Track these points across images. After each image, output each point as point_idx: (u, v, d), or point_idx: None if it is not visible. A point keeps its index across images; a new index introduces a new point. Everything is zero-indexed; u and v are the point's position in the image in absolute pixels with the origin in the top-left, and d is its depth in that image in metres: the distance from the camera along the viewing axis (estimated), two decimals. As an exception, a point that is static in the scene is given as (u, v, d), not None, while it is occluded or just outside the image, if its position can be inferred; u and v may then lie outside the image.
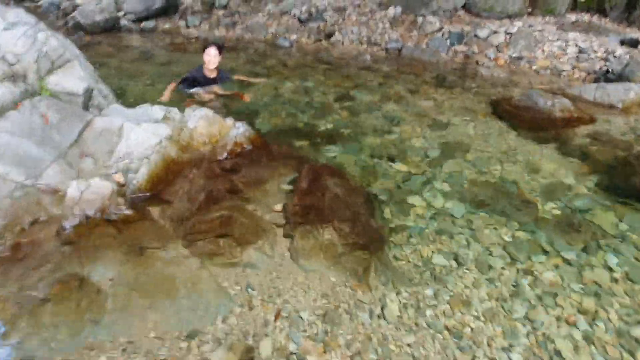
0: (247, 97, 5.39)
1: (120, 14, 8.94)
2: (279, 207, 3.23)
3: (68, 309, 2.21)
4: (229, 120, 4.01)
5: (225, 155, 3.64)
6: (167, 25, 9.15)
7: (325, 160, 4.10)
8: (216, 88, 5.49)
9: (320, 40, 8.50)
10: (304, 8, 9.39)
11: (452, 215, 3.50)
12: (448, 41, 7.97)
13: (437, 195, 3.73)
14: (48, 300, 2.22)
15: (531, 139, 4.76)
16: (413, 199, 3.65)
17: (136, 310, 2.30)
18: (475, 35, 8.00)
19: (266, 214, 3.13)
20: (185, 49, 7.87)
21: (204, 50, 5.28)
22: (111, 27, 8.55)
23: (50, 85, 3.31)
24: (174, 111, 3.96)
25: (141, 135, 3.35)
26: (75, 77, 3.43)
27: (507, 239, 3.26)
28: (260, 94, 5.63)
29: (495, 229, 3.36)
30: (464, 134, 4.83)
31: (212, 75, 5.43)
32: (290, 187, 3.45)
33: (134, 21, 8.99)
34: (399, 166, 4.13)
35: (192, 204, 3.00)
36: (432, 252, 3.09)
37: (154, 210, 2.95)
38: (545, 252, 3.14)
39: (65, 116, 3.25)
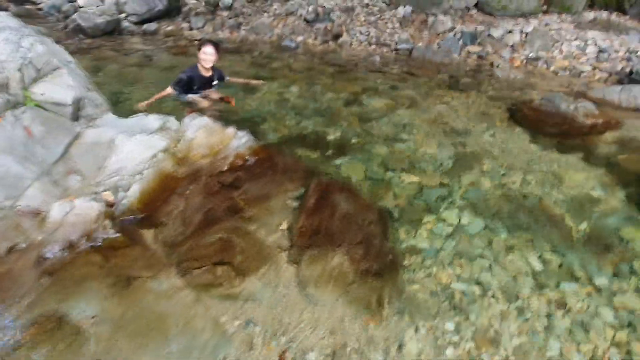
0: (234, 102, 5.14)
1: (122, 16, 8.70)
2: (284, 225, 2.95)
3: (42, 356, 1.94)
4: (231, 130, 3.73)
5: (225, 168, 3.36)
6: (169, 28, 8.90)
7: (334, 172, 3.81)
8: (212, 93, 5.21)
9: (328, 42, 8.21)
10: (311, 8, 9.09)
11: (470, 234, 3.21)
12: (460, 41, 7.64)
13: (453, 210, 3.44)
14: (21, 346, 1.95)
15: (554, 146, 4.44)
16: (427, 216, 3.36)
17: (122, 354, 2.03)
18: (489, 35, 7.68)
19: (270, 235, 2.85)
20: (188, 52, 7.60)
21: (199, 49, 5.02)
22: (112, 30, 8.31)
23: (35, 95, 3.05)
24: (171, 121, 3.69)
25: (134, 149, 3.09)
26: (63, 85, 3.16)
27: (533, 262, 2.96)
28: (264, 99, 5.35)
29: (519, 249, 3.06)
30: (481, 142, 4.52)
31: (208, 74, 5.17)
32: (296, 204, 3.16)
33: (135, 23, 8.75)
34: (412, 178, 3.84)
35: (187, 226, 2.72)
36: (451, 277, 2.80)
37: (146, 234, 2.67)
38: (576, 279, 2.84)
39: (51, 129, 2.99)
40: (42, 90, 3.08)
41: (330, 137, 4.45)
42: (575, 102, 4.99)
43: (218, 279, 2.44)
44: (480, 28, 7.92)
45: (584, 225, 3.32)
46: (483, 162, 4.12)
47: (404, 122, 4.87)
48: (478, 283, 2.75)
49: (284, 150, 4.00)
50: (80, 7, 8.95)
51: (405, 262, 2.87)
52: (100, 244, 2.49)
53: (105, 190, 2.83)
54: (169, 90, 5.07)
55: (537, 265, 2.94)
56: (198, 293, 2.37)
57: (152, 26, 8.76)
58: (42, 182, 2.70)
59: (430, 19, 8.23)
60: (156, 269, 2.45)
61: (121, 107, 4.86)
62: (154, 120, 3.58)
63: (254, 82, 5.79)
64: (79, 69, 3.85)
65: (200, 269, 2.46)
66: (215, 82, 5.27)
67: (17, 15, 8.97)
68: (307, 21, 8.83)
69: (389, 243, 3.00)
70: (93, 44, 7.68)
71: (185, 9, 9.67)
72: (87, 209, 2.55)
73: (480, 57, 7.35)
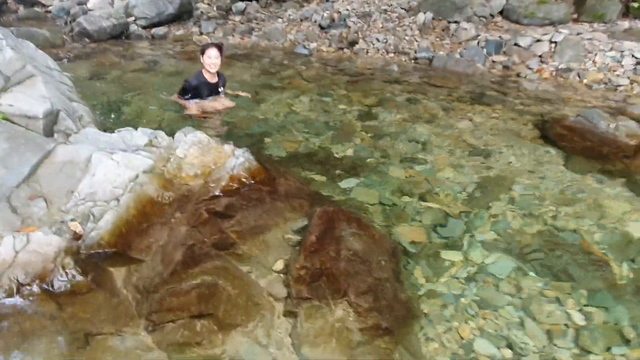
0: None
1: (130, 19, 8.41)
2: (280, 266, 2.51)
3: None
4: (228, 148, 3.31)
5: (218, 192, 2.94)
6: (179, 32, 8.58)
7: (342, 197, 3.37)
8: (218, 105, 4.83)
9: (342, 49, 7.79)
10: (326, 14, 8.70)
11: (497, 277, 2.74)
12: (485, 50, 7.15)
13: (476, 247, 2.99)
14: None
15: (593, 171, 3.93)
16: (447, 253, 2.91)
17: None
18: (516, 44, 7.17)
19: (263, 278, 2.41)
20: (195, 58, 7.23)
21: (203, 53, 4.63)
22: (119, 34, 8.01)
23: (3, 107, 2.67)
24: (161, 135, 3.30)
25: (111, 170, 2.68)
26: (35, 96, 2.79)
27: (574, 316, 2.47)
28: (272, 111, 4.94)
29: (556, 299, 2.58)
30: (508, 164, 4.03)
31: (214, 80, 4.80)
32: (297, 238, 2.72)
33: (144, 27, 8.45)
34: (431, 205, 3.38)
35: (166, 265, 2.30)
36: (474, 333, 2.33)
37: (115, 275, 2.26)
38: (626, 341, 2.33)
39: (17, 145, 2.61)
40: (11, 101, 2.71)
41: (341, 156, 4.00)
42: (615, 121, 4.46)
43: (196, 335, 2.01)
44: (505, 36, 7.42)
45: (631, 270, 2.82)
46: (511, 189, 3.64)
47: (423, 140, 4.41)
48: (507, 344, 2.28)
49: (288, 169, 3.58)
50: (90, 10, 8.70)
51: (422, 313, 2.42)
52: (58, 287, 2.07)
53: (72, 220, 2.43)
54: (176, 99, 4.75)
55: (579, 320, 2.44)
56: (170, 354, 1.94)
57: (161, 30, 8.45)
58: (-2, 209, 2.30)
59: (452, 27, 7.76)
60: (122, 322, 2.03)
61: (114, 118, 4.51)
62: (141, 135, 3.19)
63: (243, 93, 5.35)
64: (62, 77, 3.48)
65: (175, 323, 2.04)
66: (221, 89, 4.89)
67: (25, 18, 8.81)
68: (321, 27, 8.43)
69: (402, 287, 2.55)
70: (97, 48, 7.38)
71: (196, 13, 9.37)
72: (44, 244, 2.15)
73: (505, 67, 6.85)
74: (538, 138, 4.56)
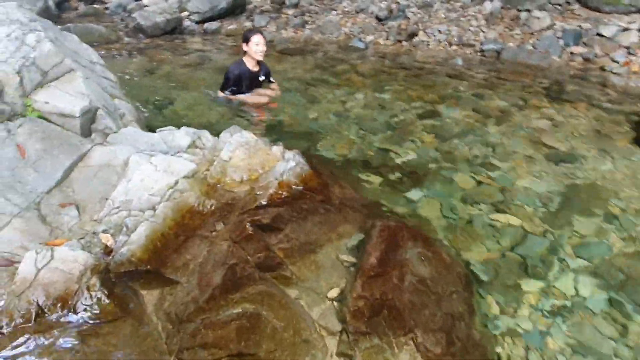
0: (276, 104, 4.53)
1: (184, 15, 8.33)
2: (334, 293, 2.15)
3: None
4: (277, 149, 2.99)
5: (265, 201, 2.61)
6: (232, 27, 8.40)
7: (402, 209, 2.96)
8: (263, 99, 4.54)
9: (401, 42, 7.29)
10: (384, 5, 8.22)
11: (591, 312, 2.25)
12: (561, 41, 6.43)
13: (565, 274, 2.51)
14: None
15: None
16: (528, 281, 2.45)
17: None
18: (598, 34, 6.39)
19: (314, 308, 2.06)
20: (247, 53, 7.04)
21: (247, 40, 4.31)
22: (173, 29, 7.94)
23: (38, 104, 2.47)
24: (205, 136, 3.02)
25: (149, 175, 2.42)
26: (73, 93, 2.57)
27: None
28: (325, 109, 4.58)
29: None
30: (598, 172, 3.46)
31: (256, 68, 4.51)
32: (352, 259, 2.35)
33: (197, 22, 8.34)
34: (507, 220, 2.90)
35: (203, 289, 2.00)
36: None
37: (146, 299, 1.98)
38: None
39: (52, 147, 2.40)
40: (47, 98, 2.50)
41: (400, 160, 3.58)
42: None
43: (233, 379, 1.69)
44: (585, 25, 6.65)
45: None
46: (603, 202, 3.09)
47: (494, 142, 3.89)
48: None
49: (342, 175, 3.20)
50: (145, 6, 8.71)
51: (498, 350, 1.99)
52: (79, 314, 1.82)
53: (105, 231, 2.18)
54: (220, 94, 4.50)
55: None
56: (202, 402, 1.63)
57: (213, 25, 8.30)
58: (25, 218, 2.09)
59: (523, 15, 7.06)
60: (149, 358, 1.73)
61: (161, 115, 4.32)
62: (183, 135, 2.92)
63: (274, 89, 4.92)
64: (105, 72, 3.28)
65: (210, 363, 1.72)
66: (262, 78, 4.59)
67: (85, 15, 8.95)
68: (378, 19, 7.96)
69: (475, 324, 2.12)
70: (151, 43, 7.32)
71: (249, 7, 9.17)
72: (70, 260, 1.90)
73: (586, 59, 6.11)
74: (633, 141, 3.92)
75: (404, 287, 2.10)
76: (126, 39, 7.48)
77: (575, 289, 2.41)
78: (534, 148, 3.80)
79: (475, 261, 2.54)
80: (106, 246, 2.13)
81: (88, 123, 2.62)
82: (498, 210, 2.99)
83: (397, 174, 3.36)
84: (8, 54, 2.43)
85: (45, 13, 8.18)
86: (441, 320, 2.00)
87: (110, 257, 2.05)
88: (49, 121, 2.51)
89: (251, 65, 4.43)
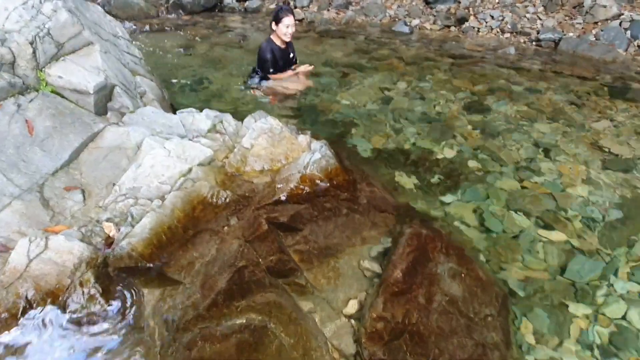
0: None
1: (225, -9, 8.13)
2: (352, 308, 1.91)
3: None
4: (303, 139, 2.75)
5: (284, 196, 2.39)
6: (272, 5, 8.15)
7: (438, 215, 2.67)
8: (300, 85, 4.31)
9: (449, 27, 6.84)
10: (433, -13, 7.72)
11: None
12: (628, 32, 5.82)
13: (617, 301, 2.17)
14: None
15: None
16: (575, 306, 2.13)
17: None
18: (672, 26, 5.75)
19: (328, 323, 1.83)
20: (286, 33, 6.79)
21: (278, 21, 4.07)
22: (213, 6, 7.78)
23: (52, 78, 2.33)
24: (227, 120, 2.82)
25: (160, 160, 2.24)
26: (89, 67, 2.41)
27: None
28: (362, 95, 4.30)
29: None
30: (667, 184, 3.04)
31: (284, 46, 4.29)
32: (376, 269, 2.10)
33: (238, 0, 8.13)
34: (555, 236, 2.56)
35: (205, 294, 1.80)
36: None
37: (145, 300, 1.80)
38: None
39: (63, 125, 2.25)
40: (61, 72, 2.35)
41: (439, 157, 3.27)
42: None
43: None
44: (658, 16, 5.99)
45: None
46: (671, 220, 2.69)
47: (545, 142, 3.51)
48: None
49: (371, 173, 2.93)
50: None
51: None
52: (69, 312, 1.66)
53: (108, 220, 2.02)
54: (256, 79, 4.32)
55: None
56: None
57: (254, 3, 8.08)
58: (25, 200, 1.95)
59: (587, 3, 6.45)
60: (139, 369, 1.56)
61: (189, 95, 4.16)
62: (204, 118, 2.73)
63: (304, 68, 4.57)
64: (130, 47, 3.12)
65: (204, 381, 1.53)
66: (292, 55, 4.35)
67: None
68: (427, 2, 7.51)
69: (512, 355, 1.84)
70: (190, 20, 7.19)
71: (292, -15, 8.86)
72: (64, 251, 1.74)
73: (656, 55, 5.51)
74: None
75: (432, 308, 1.84)
76: (166, 15, 7.37)
77: (627, 318, 2.09)
78: (591, 152, 3.40)
79: (514, 280, 2.24)
80: (108, 236, 1.97)
81: (103, 100, 2.46)
82: (545, 222, 2.65)
83: (434, 174, 3.06)
84: (22, 23, 2.28)
85: (89, -15, 8.18)
86: (471, 350, 1.74)
87: (110, 251, 1.88)
88: (62, 97, 2.37)
89: (280, 43, 4.21)
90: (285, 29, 4.03)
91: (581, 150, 3.41)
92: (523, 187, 2.97)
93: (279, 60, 4.22)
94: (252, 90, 4.16)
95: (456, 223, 2.61)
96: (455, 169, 3.13)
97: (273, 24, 4.12)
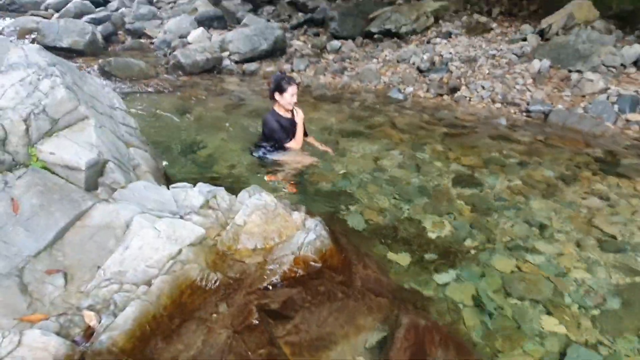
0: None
1: (224, 54, 8.38)
2: (344, 411, 1.79)
3: None
4: (297, 216, 2.71)
5: (276, 279, 2.30)
6: (270, 69, 8.38)
7: (434, 297, 2.60)
8: (306, 160, 4.26)
9: (442, 95, 7.03)
10: (426, 56, 8.03)
11: None
12: (616, 106, 5.99)
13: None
14: None
15: None
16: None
17: None
18: (657, 102, 5.94)
19: None
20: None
21: (280, 90, 4.07)
22: (212, 68, 7.98)
23: (43, 154, 2.29)
24: (221, 195, 2.78)
25: (150, 242, 2.17)
26: (82, 143, 2.39)
27: None
28: (356, 165, 4.30)
29: None
30: (664, 269, 3.00)
31: (288, 115, 4.27)
32: (370, 363, 1.99)
33: (237, 62, 8.37)
34: (553, 323, 2.49)
35: (187, 396, 1.68)
36: None
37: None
38: None
39: (50, 202, 2.19)
40: (53, 148, 2.32)
41: (433, 233, 3.23)
42: None
43: None
44: (643, 92, 6.20)
45: None
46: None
47: (539, 220, 3.49)
48: None
49: (366, 251, 2.87)
50: (189, 44, 8.86)
51: None
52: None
53: (89, 307, 1.91)
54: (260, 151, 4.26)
55: None
56: None
57: (252, 66, 8.31)
58: (2, 287, 1.86)
59: (574, 77, 6.69)
60: None
61: (183, 163, 4.15)
62: (197, 194, 2.68)
63: (325, 148, 4.64)
64: (126, 118, 3.13)
65: None
66: (297, 120, 4.28)
67: (130, 49, 9.15)
68: (420, 70, 7.76)
69: None
70: (188, 81, 7.34)
71: (290, 50, 9.18)
72: (39, 348, 1.63)
73: (644, 129, 5.65)
74: (703, 232, 3.44)
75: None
76: (165, 75, 7.53)
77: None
78: (585, 231, 3.37)
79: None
80: (89, 326, 1.86)
81: (95, 176, 2.42)
82: (543, 307, 2.59)
83: (429, 252, 3.01)
84: (18, 100, 2.28)
85: (92, 45, 8.42)
86: None
87: (89, 344, 1.77)
88: (53, 173, 2.33)
89: (283, 113, 4.23)
90: (290, 97, 4.06)
91: (575, 230, 3.39)
92: (519, 269, 2.92)
93: (286, 129, 4.21)
94: (267, 177, 4.00)
95: (452, 307, 2.52)
96: (449, 247, 3.08)
97: (276, 94, 4.11)
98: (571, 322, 2.49)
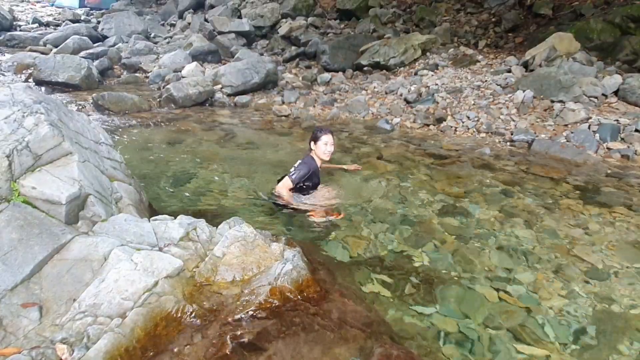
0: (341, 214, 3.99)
1: (217, 87, 8.57)
2: None
3: None
4: (276, 247, 2.76)
5: (252, 310, 2.33)
6: (261, 101, 8.56)
7: (413, 328, 2.61)
8: (320, 208, 4.07)
9: (428, 125, 7.18)
10: (413, 88, 8.23)
11: None
12: (597, 135, 6.14)
13: None
14: None
15: None
16: None
17: None
18: (637, 130, 6.08)
19: None
20: (272, 128, 7.06)
21: (316, 140, 4.05)
22: (204, 101, 8.14)
23: (25, 189, 2.35)
24: (201, 227, 2.83)
25: (126, 275, 2.21)
26: (64, 178, 2.46)
27: None
28: (342, 197, 4.36)
29: None
30: (638, 298, 3.03)
31: (320, 163, 4.22)
32: (342, 395, 2.00)
33: (229, 95, 8.55)
34: (531, 351, 2.50)
35: None
36: None
37: None
38: None
39: (29, 236, 2.24)
40: (35, 183, 2.38)
41: (415, 265, 3.27)
42: None
43: None
44: (624, 120, 6.37)
45: None
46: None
47: (521, 249, 3.54)
48: None
49: (344, 281, 2.90)
50: (183, 77, 9.05)
51: None
52: None
53: (63, 340, 1.93)
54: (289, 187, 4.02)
55: None
56: None
57: (244, 98, 8.48)
58: (-23, 321, 1.88)
59: (557, 107, 6.86)
60: None
61: (169, 196, 4.20)
62: (177, 226, 2.73)
63: (351, 167, 4.89)
64: (111, 152, 3.21)
65: None
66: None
67: (125, 83, 9.35)
68: (407, 101, 7.94)
69: None
70: (180, 114, 7.48)
71: (281, 82, 9.39)
72: (9, 383, 1.65)
73: (625, 156, 5.76)
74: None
75: None
76: (157, 108, 7.67)
77: None
78: (565, 260, 3.42)
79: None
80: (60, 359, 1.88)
81: (75, 210, 2.48)
82: (520, 336, 2.60)
83: (410, 282, 3.04)
84: (2, 137, 2.35)
85: (88, 79, 8.60)
86: None
87: (61, 377, 1.78)
88: (34, 207, 2.38)
89: (318, 162, 4.17)
90: (324, 146, 4.03)
91: (556, 259, 3.43)
92: (501, 299, 2.94)
93: (315, 179, 4.16)
94: (310, 216, 3.87)
95: (432, 338, 2.54)
96: (430, 277, 3.11)
97: (312, 143, 4.12)
98: (550, 353, 2.50)
